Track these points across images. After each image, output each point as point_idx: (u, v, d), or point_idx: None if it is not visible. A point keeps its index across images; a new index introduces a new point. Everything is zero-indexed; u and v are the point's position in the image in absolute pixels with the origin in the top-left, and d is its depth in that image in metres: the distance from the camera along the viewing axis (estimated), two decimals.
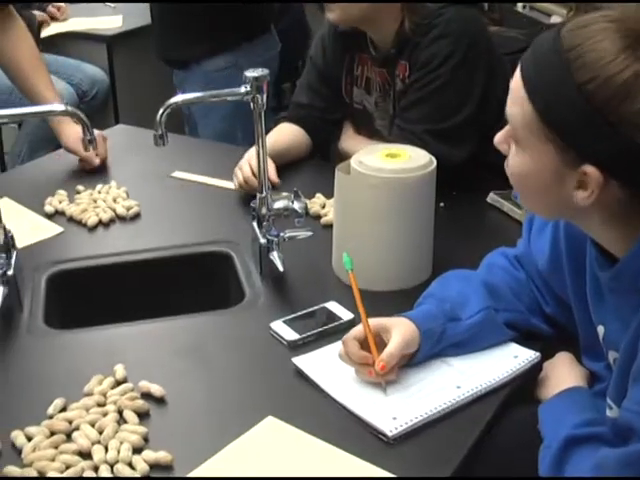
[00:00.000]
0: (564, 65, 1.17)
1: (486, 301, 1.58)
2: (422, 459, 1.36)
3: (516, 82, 1.24)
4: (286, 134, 2.41)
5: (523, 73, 1.23)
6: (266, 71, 1.75)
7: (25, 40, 2.54)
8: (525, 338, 1.63)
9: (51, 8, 4.50)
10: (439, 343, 1.55)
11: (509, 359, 1.57)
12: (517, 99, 1.24)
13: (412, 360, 1.54)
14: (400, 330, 1.50)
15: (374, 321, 1.52)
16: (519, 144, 1.26)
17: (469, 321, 1.56)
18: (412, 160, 1.77)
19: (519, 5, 4.18)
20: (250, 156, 2.17)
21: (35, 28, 4.18)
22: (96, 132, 1.95)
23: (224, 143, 2.87)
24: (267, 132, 1.84)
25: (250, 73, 1.73)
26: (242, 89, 1.74)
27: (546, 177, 1.24)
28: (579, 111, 1.16)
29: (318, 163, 2.47)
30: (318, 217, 2.09)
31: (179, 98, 1.78)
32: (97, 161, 2.45)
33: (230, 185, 2.28)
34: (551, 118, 1.19)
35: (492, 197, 2.16)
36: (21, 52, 2.51)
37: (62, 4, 4.60)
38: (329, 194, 2.11)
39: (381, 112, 2.30)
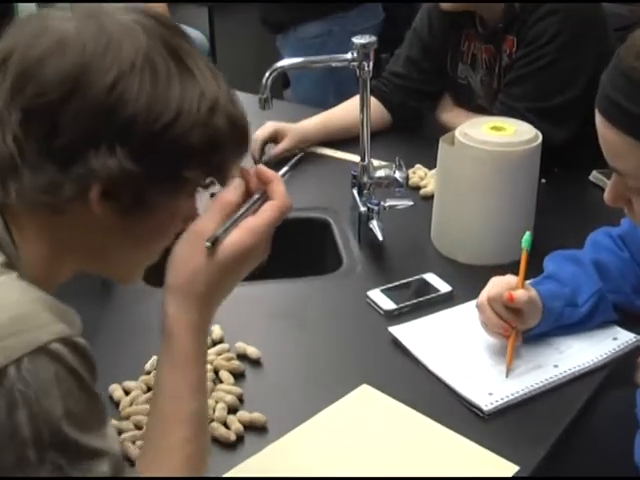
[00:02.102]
0: None
1: (597, 283, 1.56)
2: (517, 435, 1.35)
3: (608, 135, 1.17)
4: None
5: (615, 122, 1.16)
6: (374, 38, 1.74)
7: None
8: (625, 320, 1.60)
9: None
10: (554, 323, 1.53)
11: (608, 341, 1.55)
12: (621, 153, 1.17)
13: (526, 334, 1.51)
14: (534, 300, 1.48)
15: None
16: None
17: (584, 308, 1.54)
18: (517, 134, 1.75)
19: None
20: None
21: None
22: None
23: (317, 107, 2.86)
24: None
25: (358, 40, 1.73)
26: (348, 55, 1.73)
27: None
28: None
29: (416, 133, 2.45)
30: (417, 188, 2.07)
31: (285, 62, 1.79)
32: None
33: (331, 152, 2.27)
34: None
35: (595, 175, 2.12)
36: None
37: None
38: (429, 165, 2.10)
39: (485, 88, 2.27)
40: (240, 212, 1.04)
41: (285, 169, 1.15)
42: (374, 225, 1.79)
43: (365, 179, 1.82)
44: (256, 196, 1.07)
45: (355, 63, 1.73)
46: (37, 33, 0.94)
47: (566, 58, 2.09)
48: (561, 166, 2.11)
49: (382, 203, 1.83)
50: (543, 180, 2.00)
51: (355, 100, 2.35)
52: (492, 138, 1.72)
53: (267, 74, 1.73)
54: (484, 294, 1.49)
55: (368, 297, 1.67)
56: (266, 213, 1.05)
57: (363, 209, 1.82)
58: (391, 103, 2.39)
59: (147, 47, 0.94)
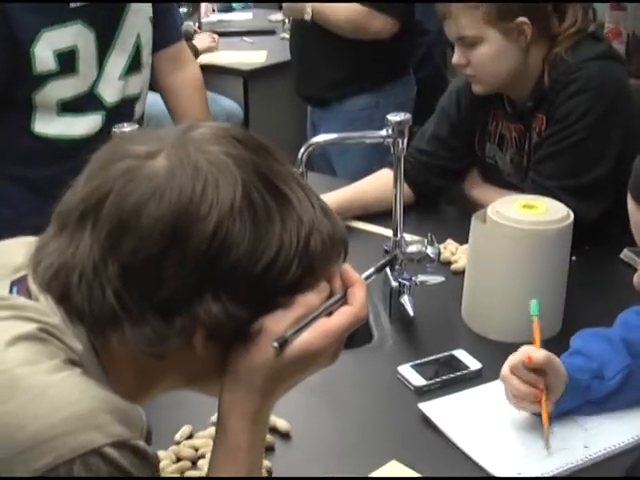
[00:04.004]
0: None
1: (627, 359, 1.56)
2: None
3: None
4: (383, 183, 2.30)
5: None
6: (408, 115, 1.77)
7: (194, 80, 2.62)
8: None
9: (208, 36, 4.59)
10: (582, 398, 1.52)
11: None
12: None
13: (554, 409, 1.50)
14: (556, 362, 1.48)
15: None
16: None
17: (612, 382, 1.54)
18: (549, 212, 1.76)
19: None
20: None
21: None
22: None
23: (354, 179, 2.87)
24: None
25: (393, 117, 1.75)
26: (383, 132, 1.76)
27: None
28: None
29: (447, 208, 2.47)
30: (448, 263, 2.08)
31: (321, 138, 1.81)
32: None
33: (363, 225, 2.30)
34: None
35: (626, 253, 2.12)
36: (189, 91, 2.58)
37: (215, 35, 4.69)
38: (460, 240, 2.11)
39: (515, 166, 2.29)
40: (315, 313, 1.00)
41: (370, 271, 1.15)
42: (405, 300, 1.80)
43: (397, 254, 1.83)
44: (336, 297, 1.03)
45: (390, 140, 1.76)
46: (129, 176, 0.91)
47: (596, 136, 2.11)
48: (592, 243, 2.11)
49: (414, 278, 1.84)
50: (574, 258, 2.01)
51: (378, 175, 2.39)
52: (524, 216, 1.73)
53: (302, 149, 1.76)
54: (506, 366, 1.50)
55: (398, 372, 1.67)
56: (341, 317, 1.02)
57: (395, 284, 1.83)
58: (415, 180, 2.38)
59: (243, 183, 0.92)
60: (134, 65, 2.29)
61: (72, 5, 2.11)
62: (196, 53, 4.27)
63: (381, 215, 2.24)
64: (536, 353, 1.46)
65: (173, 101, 2.55)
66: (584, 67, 2.10)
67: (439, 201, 2.49)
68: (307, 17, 3.20)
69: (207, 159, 0.92)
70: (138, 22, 2.28)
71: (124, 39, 2.25)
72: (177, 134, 0.96)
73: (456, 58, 2.17)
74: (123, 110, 2.29)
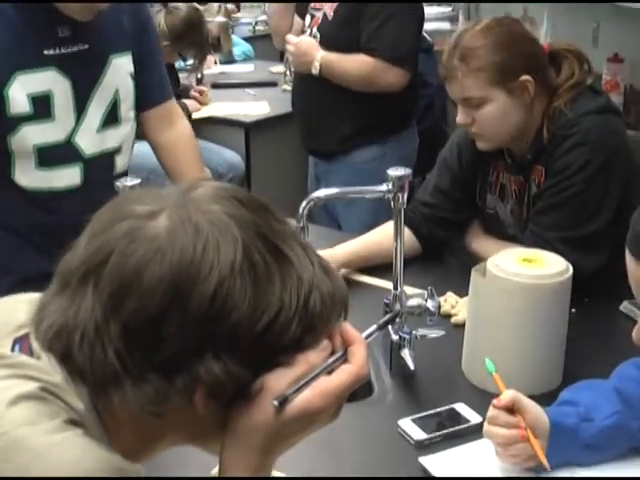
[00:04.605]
0: None
1: (617, 405, 1.55)
2: None
3: None
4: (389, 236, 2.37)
5: None
6: (408, 170, 1.79)
7: (186, 136, 2.62)
8: None
9: (194, 92, 4.65)
10: (572, 444, 1.52)
11: None
12: None
13: (554, 463, 1.50)
14: (526, 399, 1.50)
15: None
16: None
17: (603, 423, 1.53)
18: (548, 266, 1.77)
19: None
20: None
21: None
22: None
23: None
24: None
25: (393, 172, 1.77)
26: (384, 187, 1.78)
27: None
28: None
29: (447, 260, 2.48)
30: (448, 316, 2.09)
31: (322, 193, 1.83)
32: None
33: (364, 278, 2.31)
34: None
35: (625, 306, 2.13)
36: (182, 148, 2.58)
37: (204, 88, 4.75)
38: (460, 292, 2.11)
39: (515, 218, 2.31)
40: (316, 372, 1.00)
41: (372, 329, 1.14)
42: (406, 354, 1.81)
43: (397, 307, 1.84)
44: (336, 355, 1.03)
45: (390, 194, 1.77)
46: (130, 237, 0.92)
47: (594, 188, 2.12)
48: (591, 295, 2.12)
49: (414, 332, 1.85)
50: (573, 310, 2.01)
51: (383, 229, 2.40)
52: (524, 270, 1.74)
53: (304, 204, 1.77)
54: (485, 423, 1.52)
55: (399, 426, 1.67)
56: (341, 376, 1.02)
57: (395, 338, 1.83)
58: (420, 232, 2.41)
59: (243, 244, 0.93)
60: (111, 119, 2.30)
61: (46, 52, 2.13)
62: (188, 113, 4.33)
63: (382, 266, 2.25)
64: (503, 395, 1.49)
65: (167, 159, 2.56)
66: (583, 120, 2.12)
67: (441, 253, 2.51)
68: (315, 71, 3.20)
69: (208, 219, 0.93)
70: (118, 78, 2.30)
71: (102, 92, 2.26)
72: (178, 194, 0.97)
73: (461, 118, 2.19)
74: (102, 163, 2.30)
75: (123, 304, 0.90)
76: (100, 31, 2.24)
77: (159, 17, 4.11)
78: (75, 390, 0.95)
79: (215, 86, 5.00)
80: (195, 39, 4.27)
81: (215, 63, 5.66)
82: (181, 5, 4.33)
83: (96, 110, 2.26)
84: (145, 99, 2.45)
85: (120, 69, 2.30)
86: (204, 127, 4.51)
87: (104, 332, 0.90)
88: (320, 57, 3.19)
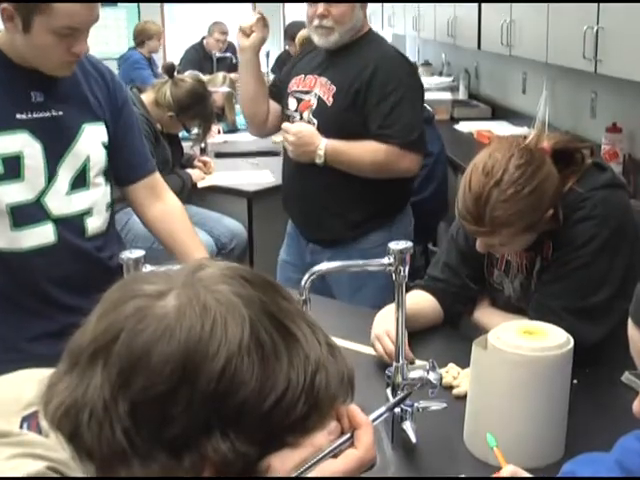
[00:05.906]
0: None
1: (620, 475, 1.55)
2: None
3: None
4: (418, 302, 2.41)
5: None
6: (410, 244, 1.80)
7: (175, 209, 2.63)
8: None
9: (197, 162, 4.71)
10: None
11: None
12: None
13: None
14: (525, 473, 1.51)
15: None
16: None
17: None
18: (549, 338, 1.78)
19: None
20: (386, 327, 2.20)
21: (190, 187, 4.39)
22: None
23: (365, 307, 2.83)
24: None
25: (394, 245, 1.79)
26: (385, 260, 1.79)
27: None
28: None
29: (449, 331, 2.49)
30: (450, 387, 2.09)
31: (324, 266, 1.84)
32: None
33: (366, 350, 2.31)
34: None
35: (627, 377, 2.13)
36: (172, 224, 2.59)
37: (208, 159, 4.81)
38: (462, 364, 2.12)
39: (524, 292, 2.32)
40: (322, 454, 1.00)
41: (379, 412, 1.15)
42: (407, 426, 1.81)
43: (399, 380, 1.85)
44: (343, 438, 1.03)
45: (391, 268, 1.79)
46: (139, 316, 0.93)
47: (600, 261, 2.16)
48: (593, 365, 2.12)
49: (416, 404, 1.85)
50: (575, 381, 2.02)
51: (419, 294, 2.42)
52: (525, 342, 1.76)
53: (306, 277, 1.79)
54: None
55: None
56: (346, 461, 1.02)
57: (397, 410, 1.83)
58: (443, 303, 2.44)
59: (250, 322, 0.94)
60: (79, 183, 2.32)
61: (18, 116, 2.18)
62: (192, 182, 4.38)
63: None
64: (503, 470, 1.50)
65: (160, 233, 2.58)
66: (590, 196, 2.16)
67: (444, 324, 2.52)
68: (319, 160, 3.09)
69: (216, 298, 0.95)
70: (90, 146, 2.33)
71: (72, 158, 2.29)
72: (186, 274, 0.99)
73: (482, 248, 2.22)
74: (73, 223, 2.33)
75: (132, 382, 0.91)
76: (73, 98, 2.29)
77: (165, 89, 4.17)
78: (82, 469, 0.95)
79: (218, 155, 5.08)
80: (200, 111, 4.33)
81: (219, 132, 5.75)
82: (186, 77, 4.40)
83: (66, 173, 2.29)
84: (129, 173, 2.51)
85: (93, 138, 2.34)
86: (207, 196, 4.57)
87: (112, 410, 0.91)
88: (324, 146, 3.07)
